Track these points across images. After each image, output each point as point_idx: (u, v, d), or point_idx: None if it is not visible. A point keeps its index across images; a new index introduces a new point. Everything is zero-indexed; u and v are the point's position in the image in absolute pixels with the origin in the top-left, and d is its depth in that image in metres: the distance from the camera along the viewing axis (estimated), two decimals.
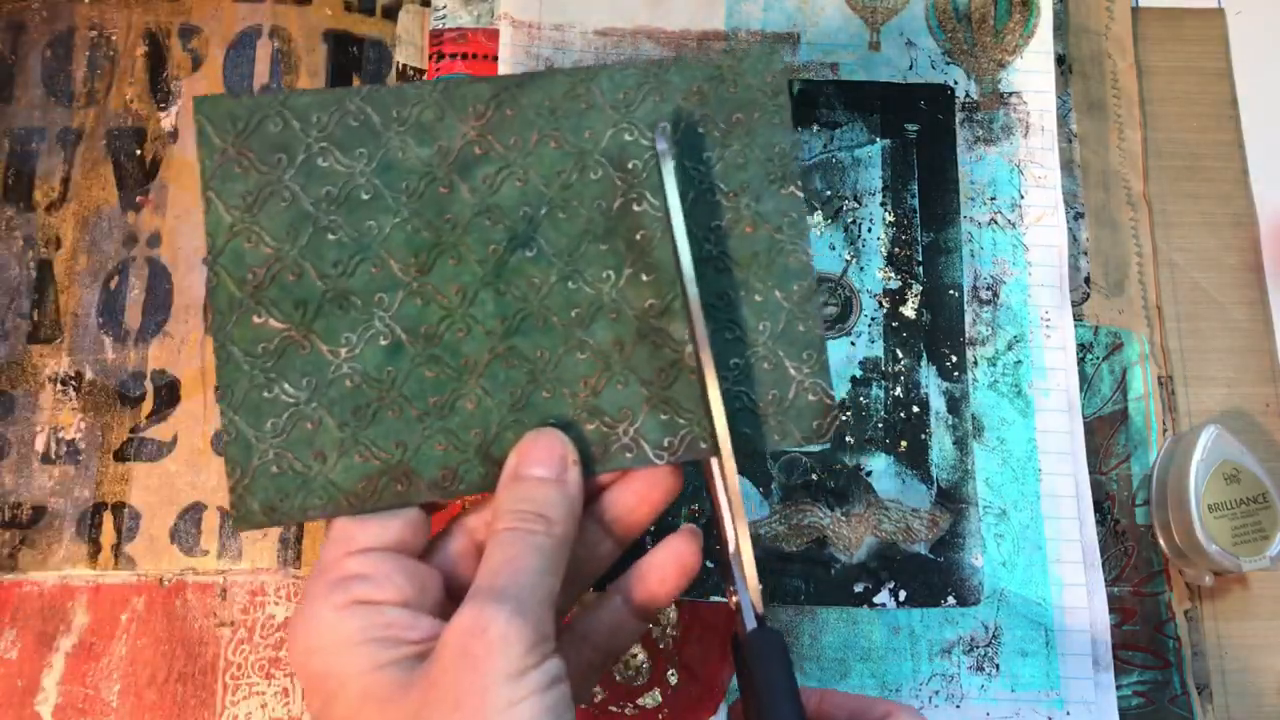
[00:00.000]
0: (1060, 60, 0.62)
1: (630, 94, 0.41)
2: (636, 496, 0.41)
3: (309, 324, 0.38)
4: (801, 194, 0.42)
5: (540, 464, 0.38)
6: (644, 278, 0.40)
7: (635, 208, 0.40)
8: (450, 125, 0.40)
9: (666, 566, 0.40)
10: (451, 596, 0.38)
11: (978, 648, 0.53)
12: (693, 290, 0.38)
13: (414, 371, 0.39)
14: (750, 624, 0.38)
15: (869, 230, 0.58)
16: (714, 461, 0.39)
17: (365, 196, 0.39)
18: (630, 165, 0.41)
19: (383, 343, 0.39)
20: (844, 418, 0.55)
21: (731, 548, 0.39)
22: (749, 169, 0.41)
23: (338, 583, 0.36)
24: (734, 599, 0.39)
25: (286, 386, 0.38)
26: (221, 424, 0.38)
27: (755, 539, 0.54)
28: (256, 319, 0.38)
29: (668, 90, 0.41)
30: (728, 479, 0.39)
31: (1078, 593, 0.54)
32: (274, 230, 0.38)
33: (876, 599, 0.53)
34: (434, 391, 0.39)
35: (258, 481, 0.38)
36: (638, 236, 0.40)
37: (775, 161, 0.42)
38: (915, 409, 0.56)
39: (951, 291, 0.58)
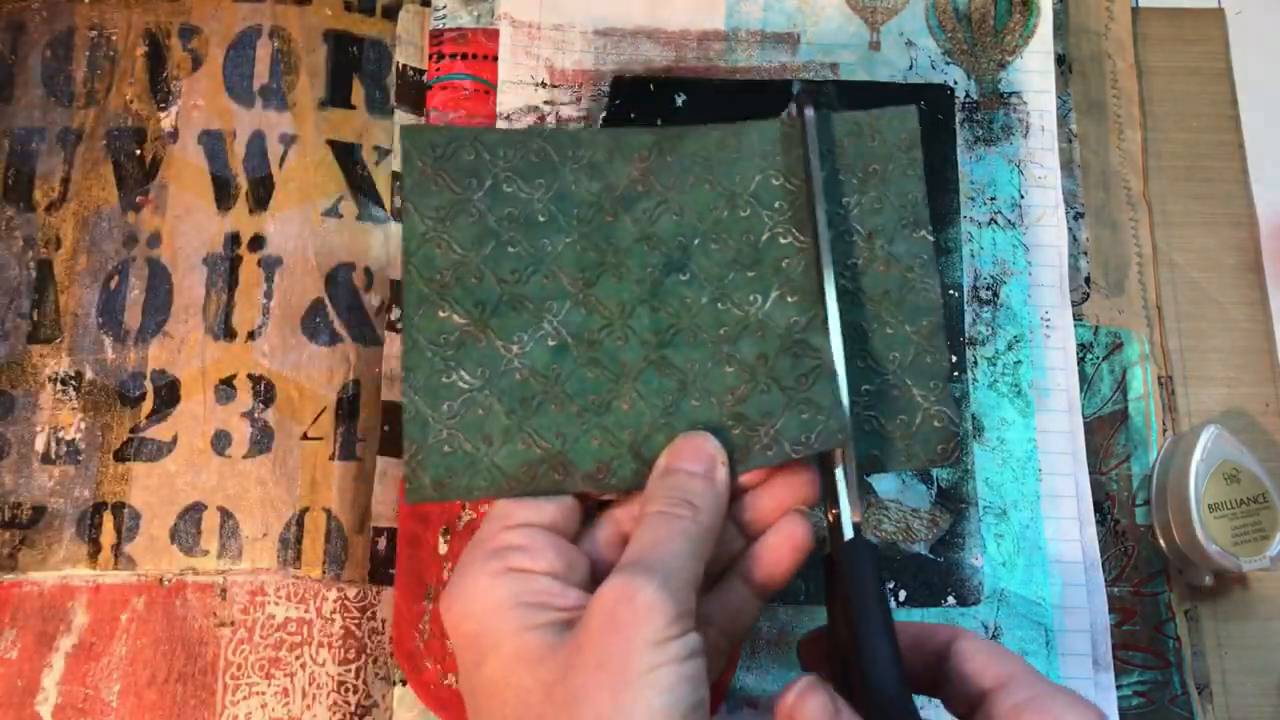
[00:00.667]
0: (1060, 60, 0.62)
1: (776, 145, 0.46)
2: (774, 501, 0.43)
3: (486, 320, 0.43)
4: (932, 237, 0.46)
5: (691, 460, 0.42)
6: (789, 299, 0.44)
7: (781, 240, 0.45)
8: (618, 166, 0.46)
9: (781, 547, 0.43)
10: (596, 580, 0.40)
11: None
12: (826, 247, 0.43)
13: (576, 371, 0.43)
14: (849, 534, 0.41)
15: None
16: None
17: (541, 219, 0.45)
18: (776, 205, 0.45)
19: (550, 343, 0.43)
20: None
21: (839, 463, 0.42)
22: (884, 214, 0.46)
23: (494, 552, 0.39)
24: (832, 513, 0.41)
25: (463, 374, 0.43)
26: (404, 404, 0.42)
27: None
28: (441, 313, 0.43)
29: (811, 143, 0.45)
30: (839, 373, 0.42)
31: (1078, 593, 0.54)
32: (461, 240, 0.44)
33: None
34: (593, 390, 0.43)
35: (430, 458, 0.42)
36: (783, 264, 0.45)
37: (908, 208, 0.46)
38: None
39: (951, 291, 0.58)
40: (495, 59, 0.60)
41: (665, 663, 0.36)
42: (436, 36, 0.60)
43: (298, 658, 0.52)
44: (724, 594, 0.43)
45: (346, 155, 0.58)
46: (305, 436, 0.55)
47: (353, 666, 0.52)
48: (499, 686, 0.37)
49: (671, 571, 0.38)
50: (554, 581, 0.39)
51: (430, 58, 0.60)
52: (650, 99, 0.59)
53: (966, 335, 0.57)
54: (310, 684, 0.52)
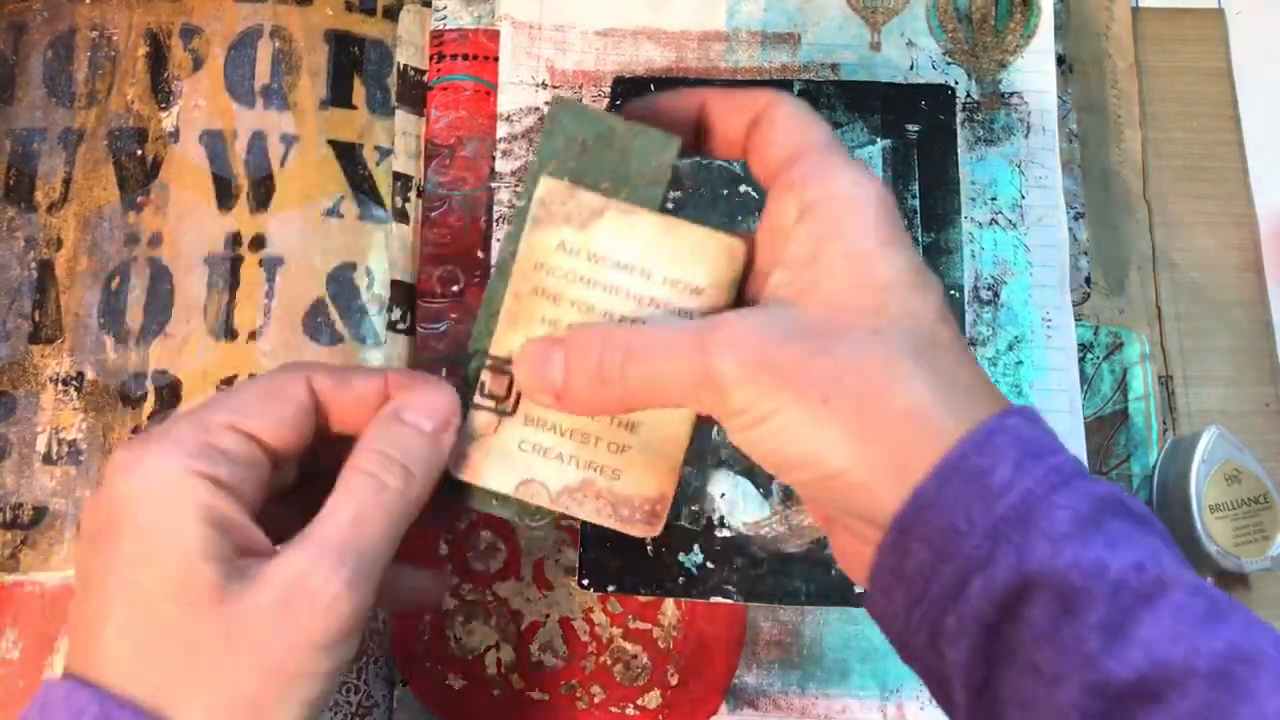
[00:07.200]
0: (1060, 60, 0.62)
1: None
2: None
3: None
4: None
5: (424, 413, 0.38)
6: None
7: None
8: None
9: None
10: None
11: None
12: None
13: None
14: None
15: None
16: None
17: None
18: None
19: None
20: None
21: None
22: None
23: (204, 448, 0.34)
24: None
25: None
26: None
27: (756, 539, 0.54)
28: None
29: (557, 128, 0.40)
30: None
31: None
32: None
33: None
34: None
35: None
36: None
37: None
38: None
39: (952, 292, 0.58)
40: (496, 59, 0.60)
41: (326, 671, 0.34)
42: (437, 37, 0.60)
43: None
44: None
45: (348, 155, 0.58)
46: None
47: (354, 667, 0.52)
48: (146, 585, 0.33)
49: (365, 562, 0.34)
50: (247, 517, 0.35)
51: (431, 58, 0.60)
52: None
53: (967, 336, 0.57)
54: None
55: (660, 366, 0.36)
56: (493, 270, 0.40)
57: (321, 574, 0.33)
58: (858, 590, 0.53)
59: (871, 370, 0.34)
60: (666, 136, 0.40)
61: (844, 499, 0.35)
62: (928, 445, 0.33)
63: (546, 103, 0.59)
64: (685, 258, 0.39)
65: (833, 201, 0.36)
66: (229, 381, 0.55)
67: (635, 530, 0.40)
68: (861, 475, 0.34)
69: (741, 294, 0.39)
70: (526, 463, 0.40)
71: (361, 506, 0.35)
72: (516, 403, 0.40)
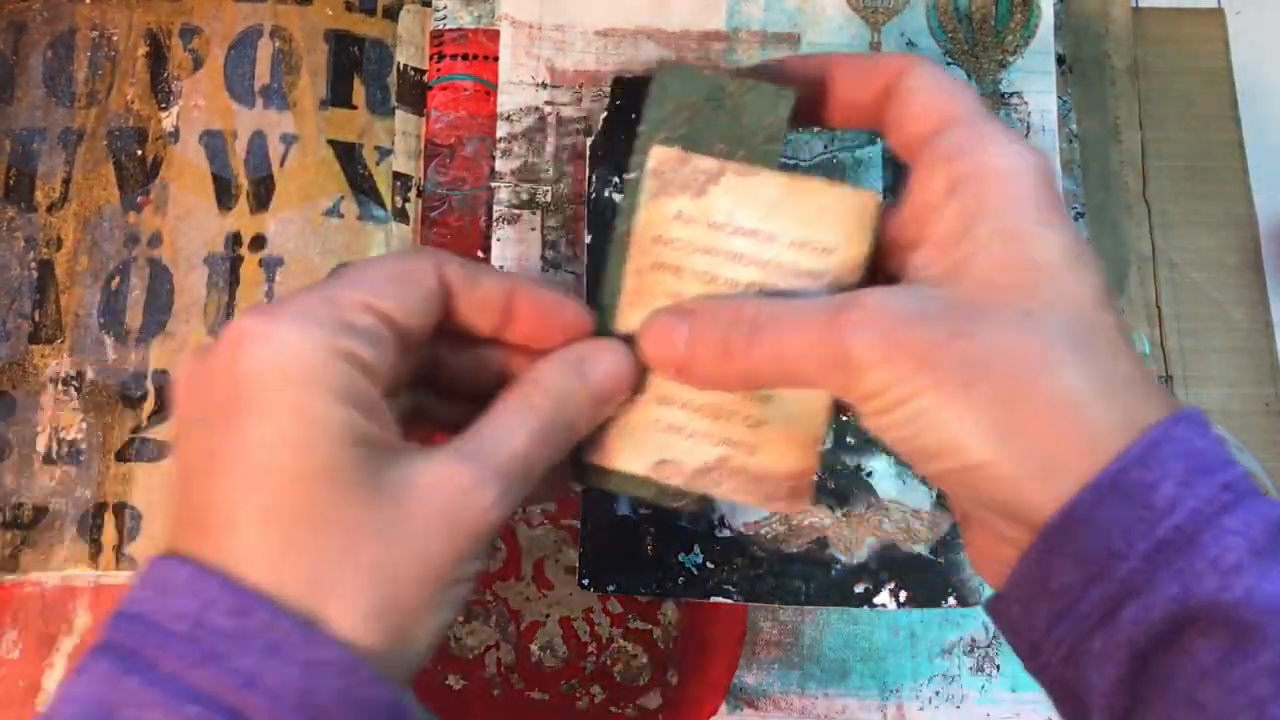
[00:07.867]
0: (1060, 60, 0.62)
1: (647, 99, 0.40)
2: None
3: None
4: None
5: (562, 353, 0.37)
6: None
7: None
8: None
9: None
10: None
11: (978, 648, 0.53)
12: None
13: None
14: None
15: None
16: None
17: None
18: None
19: None
20: (845, 418, 0.56)
21: None
22: None
23: (341, 324, 0.32)
24: None
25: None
26: None
27: (756, 539, 0.54)
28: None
29: (664, 93, 0.39)
30: None
31: None
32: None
33: (877, 600, 0.53)
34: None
35: None
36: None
37: None
38: None
39: None
40: (496, 59, 0.60)
41: (470, 579, 0.33)
42: (437, 37, 0.60)
43: None
44: None
45: (347, 155, 0.58)
46: None
47: None
48: (292, 468, 0.30)
49: (518, 497, 0.33)
50: (384, 403, 0.33)
51: (431, 58, 0.60)
52: None
53: None
54: None
55: (789, 344, 0.34)
56: (608, 250, 0.39)
57: (485, 498, 0.32)
58: (858, 590, 0.53)
59: (1021, 355, 0.32)
60: (779, 90, 0.38)
61: (984, 493, 0.33)
62: (1082, 446, 0.31)
63: (547, 102, 0.59)
64: (812, 216, 0.37)
65: (985, 176, 0.34)
66: None
67: (779, 506, 0.39)
68: (1005, 470, 0.32)
69: (877, 262, 0.37)
70: (660, 442, 0.39)
71: (542, 435, 0.34)
72: (646, 380, 0.38)
